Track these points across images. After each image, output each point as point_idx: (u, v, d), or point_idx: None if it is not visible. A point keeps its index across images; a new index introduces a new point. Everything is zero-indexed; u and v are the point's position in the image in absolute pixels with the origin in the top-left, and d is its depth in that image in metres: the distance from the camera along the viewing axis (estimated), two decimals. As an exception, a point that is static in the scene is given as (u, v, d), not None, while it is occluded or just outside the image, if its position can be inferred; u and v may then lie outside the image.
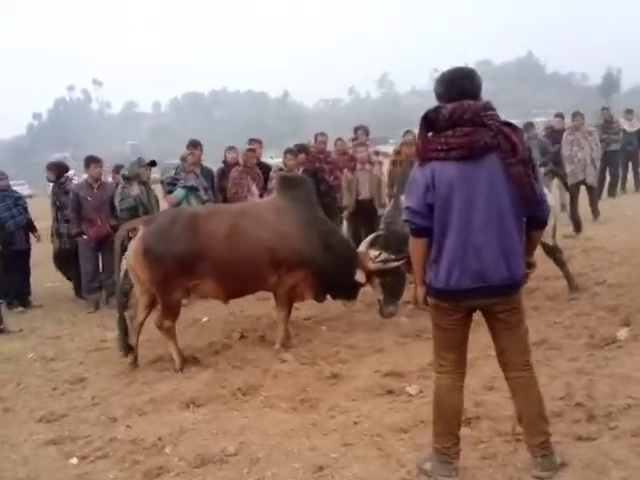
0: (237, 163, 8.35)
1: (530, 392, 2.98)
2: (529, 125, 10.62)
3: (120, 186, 7.10)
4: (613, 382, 3.94)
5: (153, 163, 7.36)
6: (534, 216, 2.89)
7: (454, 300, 2.90)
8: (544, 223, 3.00)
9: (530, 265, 3.04)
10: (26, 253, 8.24)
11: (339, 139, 9.51)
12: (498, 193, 2.77)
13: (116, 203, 7.05)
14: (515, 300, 2.93)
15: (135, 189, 6.99)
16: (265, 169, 8.40)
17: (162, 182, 7.76)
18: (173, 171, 7.65)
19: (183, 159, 7.65)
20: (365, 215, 8.17)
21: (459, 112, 2.75)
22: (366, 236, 7.88)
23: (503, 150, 2.74)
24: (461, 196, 2.79)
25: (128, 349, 5.24)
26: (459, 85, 2.85)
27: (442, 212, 2.83)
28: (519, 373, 2.97)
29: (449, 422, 3.03)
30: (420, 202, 2.86)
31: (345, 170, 8.22)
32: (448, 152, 2.76)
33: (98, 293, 7.74)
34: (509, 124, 2.80)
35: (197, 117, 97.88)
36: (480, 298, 2.87)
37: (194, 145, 7.77)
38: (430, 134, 2.85)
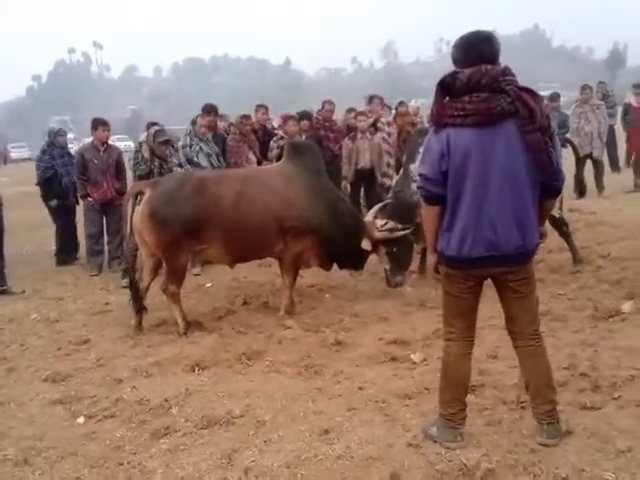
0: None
1: (538, 361, 2.99)
2: (555, 95, 10.55)
3: (134, 149, 6.95)
4: (617, 354, 3.97)
5: (167, 141, 7.11)
6: (549, 185, 2.85)
7: (466, 268, 2.89)
8: (558, 192, 2.97)
9: (541, 234, 3.03)
10: (74, 209, 8.48)
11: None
12: (514, 161, 2.74)
13: (130, 164, 6.95)
14: (527, 269, 2.92)
15: (146, 152, 6.86)
16: (270, 136, 8.27)
17: (176, 149, 7.40)
18: (186, 137, 7.34)
19: (194, 122, 7.43)
20: (365, 184, 8.12)
21: (477, 77, 2.70)
22: (366, 204, 7.91)
23: (521, 117, 2.69)
24: (476, 163, 2.75)
25: (141, 311, 5.26)
26: (477, 50, 2.79)
27: (456, 179, 2.79)
28: (528, 342, 2.98)
29: (456, 389, 3.05)
30: (434, 169, 2.83)
31: (345, 139, 8.12)
32: (464, 118, 2.72)
33: (101, 256, 7.74)
34: (528, 89, 2.74)
35: (198, 83, 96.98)
36: (492, 266, 2.86)
37: (208, 110, 7.65)
38: (446, 100, 2.80)
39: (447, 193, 2.84)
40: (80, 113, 59.93)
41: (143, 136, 7.53)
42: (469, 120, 2.72)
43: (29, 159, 46.44)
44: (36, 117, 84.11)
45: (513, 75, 2.75)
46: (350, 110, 9.18)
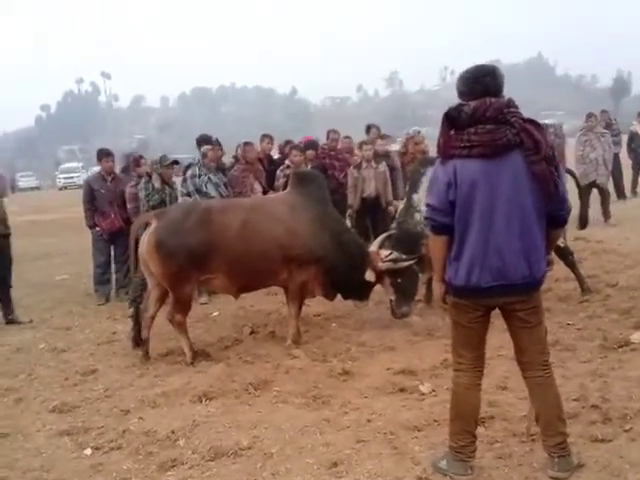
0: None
1: (548, 392, 2.97)
2: (559, 127, 10.71)
3: (143, 180, 6.93)
4: (628, 385, 3.93)
5: (175, 162, 7.23)
6: (555, 215, 2.87)
7: (474, 298, 2.90)
8: (564, 222, 2.98)
9: (548, 263, 3.04)
10: None
11: (346, 137, 9.44)
12: (521, 191, 2.76)
13: (141, 196, 6.88)
14: (535, 299, 2.93)
15: (157, 182, 6.87)
16: (276, 166, 8.33)
17: (184, 179, 7.46)
18: (194, 168, 7.37)
19: (204, 156, 7.45)
20: (371, 213, 8.15)
21: (482, 109, 2.75)
22: (373, 233, 7.92)
23: (526, 147, 2.73)
24: (483, 194, 2.78)
25: (138, 342, 5.27)
26: (482, 82, 2.84)
27: (464, 210, 2.82)
28: (537, 373, 2.96)
29: (466, 420, 3.03)
30: (442, 199, 2.85)
31: (351, 167, 8.18)
32: (471, 149, 2.75)
33: (108, 285, 7.76)
34: (532, 121, 2.78)
35: (205, 112, 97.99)
36: (501, 296, 2.86)
37: (211, 142, 7.73)
38: (452, 132, 2.84)
39: (454, 223, 2.86)
40: (89, 142, 60.59)
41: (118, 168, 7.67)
42: (475, 151, 2.75)
43: (37, 188, 47.09)
44: (45, 147, 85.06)
45: (517, 107, 2.81)
46: (346, 137, 9.38)
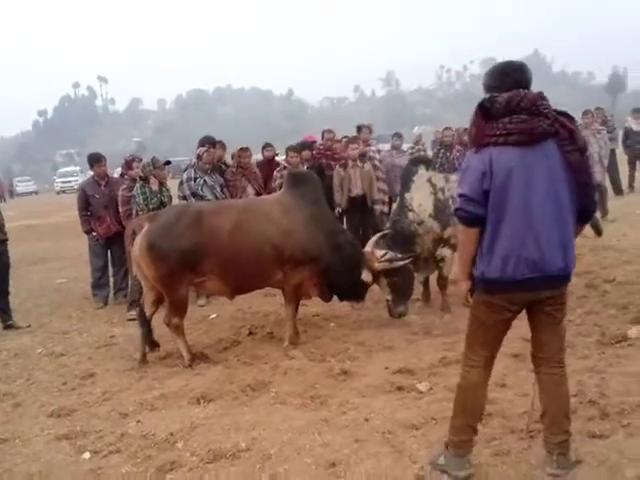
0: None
1: (560, 390, 2.94)
2: None
3: (138, 185, 6.79)
4: (625, 380, 3.93)
5: (168, 162, 7.22)
6: (585, 207, 2.85)
7: (508, 291, 2.80)
8: (591, 216, 2.96)
9: None
10: None
11: (345, 137, 9.41)
12: (556, 180, 2.74)
13: (139, 200, 6.73)
14: (564, 294, 2.90)
15: (155, 185, 6.80)
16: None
17: (181, 182, 7.48)
18: (190, 171, 7.39)
19: (199, 157, 7.43)
20: (358, 212, 8.16)
21: (516, 100, 2.72)
22: (362, 232, 7.94)
23: (561, 137, 2.72)
24: (519, 182, 2.72)
25: (153, 345, 5.34)
26: (512, 77, 2.83)
27: (498, 199, 2.74)
28: (553, 370, 2.93)
29: (471, 415, 3.00)
30: (476, 188, 2.76)
31: (337, 167, 8.18)
32: (507, 137, 2.71)
33: (106, 289, 7.76)
34: (565, 113, 2.79)
35: (202, 114, 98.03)
36: (535, 289, 2.79)
37: (212, 143, 7.71)
38: (484, 122, 2.79)
39: (487, 214, 2.78)
40: (86, 146, 60.57)
41: (117, 171, 7.50)
42: (512, 139, 2.71)
43: (35, 192, 47.10)
44: (42, 151, 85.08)
45: (548, 100, 2.78)
46: (327, 131, 9.42)
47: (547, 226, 2.74)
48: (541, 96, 2.77)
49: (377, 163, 8.31)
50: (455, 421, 3.03)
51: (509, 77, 2.83)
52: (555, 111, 2.75)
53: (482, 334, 2.96)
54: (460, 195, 2.84)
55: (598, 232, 7.02)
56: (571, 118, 2.79)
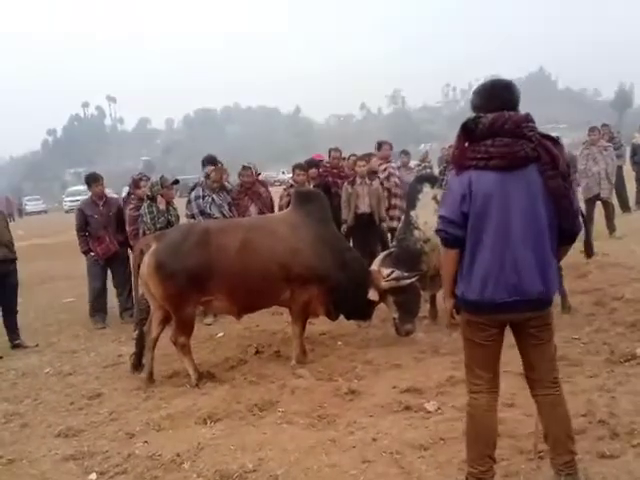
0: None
1: (558, 410, 2.92)
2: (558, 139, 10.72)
3: (146, 204, 6.84)
4: (635, 399, 3.90)
5: (176, 181, 7.25)
6: (567, 230, 2.84)
7: (488, 313, 2.82)
8: (574, 238, 2.94)
9: None
10: None
11: (352, 155, 9.43)
12: (536, 205, 2.74)
13: (146, 220, 6.77)
14: (548, 315, 2.89)
15: (162, 204, 6.84)
16: None
17: (189, 201, 7.50)
18: (198, 189, 7.41)
19: (207, 176, 7.46)
20: (365, 229, 8.14)
21: (500, 122, 2.72)
22: (368, 250, 7.92)
23: (543, 162, 2.72)
24: (499, 206, 2.74)
25: (137, 367, 5.32)
26: (499, 97, 2.83)
27: (477, 222, 2.77)
28: (547, 391, 2.92)
29: (486, 444, 2.92)
30: (455, 211, 2.80)
31: (345, 184, 8.17)
32: (488, 161, 2.72)
33: (104, 311, 7.74)
34: (549, 136, 2.78)
35: (210, 133, 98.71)
36: (515, 312, 2.80)
37: (214, 163, 7.71)
38: (467, 144, 2.81)
39: (466, 236, 2.81)
40: (95, 165, 61.04)
41: (125, 190, 7.51)
42: (492, 163, 2.72)
43: (44, 212, 47.40)
44: (51, 170, 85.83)
45: (534, 122, 2.78)
46: (334, 150, 9.24)
47: (526, 250, 2.75)
48: (527, 118, 2.77)
49: (397, 180, 8.31)
50: (471, 453, 2.95)
51: (495, 97, 2.83)
52: (540, 134, 2.74)
53: (477, 354, 2.95)
54: (441, 217, 2.89)
55: (588, 254, 6.92)
56: (556, 142, 2.78)
